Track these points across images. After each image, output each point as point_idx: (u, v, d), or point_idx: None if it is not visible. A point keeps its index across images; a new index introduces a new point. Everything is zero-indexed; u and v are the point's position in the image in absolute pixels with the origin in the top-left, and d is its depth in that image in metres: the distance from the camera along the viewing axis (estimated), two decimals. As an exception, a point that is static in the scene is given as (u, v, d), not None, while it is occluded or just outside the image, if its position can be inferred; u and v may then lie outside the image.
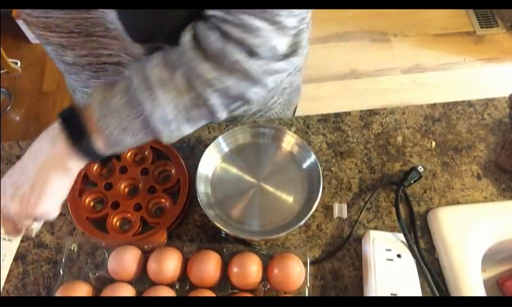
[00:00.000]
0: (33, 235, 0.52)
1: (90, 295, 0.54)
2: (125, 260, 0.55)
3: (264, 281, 0.56)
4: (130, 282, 0.55)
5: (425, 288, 0.56)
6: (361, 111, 0.75)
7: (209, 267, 0.55)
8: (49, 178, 0.48)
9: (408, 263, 0.57)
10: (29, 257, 0.62)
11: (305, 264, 0.56)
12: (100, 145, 0.48)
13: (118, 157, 0.66)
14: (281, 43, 0.46)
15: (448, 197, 0.66)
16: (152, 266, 0.55)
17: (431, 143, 0.72)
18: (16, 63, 1.95)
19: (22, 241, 0.63)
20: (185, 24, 0.48)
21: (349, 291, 0.59)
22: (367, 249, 0.59)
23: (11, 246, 0.63)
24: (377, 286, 0.55)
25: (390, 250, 0.58)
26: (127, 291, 0.54)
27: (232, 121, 0.75)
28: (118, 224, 0.63)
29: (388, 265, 0.56)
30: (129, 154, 0.68)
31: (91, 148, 0.47)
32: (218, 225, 0.58)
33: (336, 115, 0.75)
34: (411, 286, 0.55)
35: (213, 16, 0.46)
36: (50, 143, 0.48)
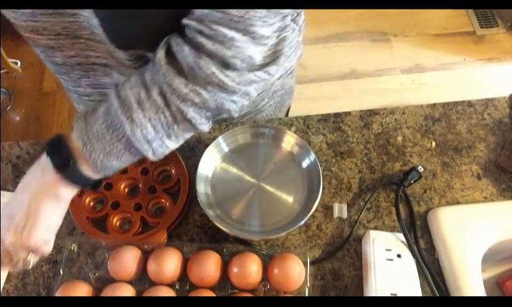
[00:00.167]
0: (29, 266, 0.51)
1: (90, 295, 0.54)
2: (125, 260, 0.55)
3: (264, 281, 0.56)
4: (130, 282, 0.55)
5: (425, 288, 0.56)
6: (361, 111, 0.75)
7: (209, 267, 0.55)
8: (41, 207, 0.48)
9: (408, 263, 0.57)
10: (29, 257, 0.62)
11: (305, 264, 0.55)
12: (88, 171, 0.48)
13: None
14: (257, 53, 0.46)
15: (448, 197, 0.66)
16: (151, 266, 0.55)
17: (431, 143, 0.72)
18: (16, 63, 1.95)
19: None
20: (165, 33, 0.48)
21: (349, 291, 0.59)
22: (367, 249, 0.59)
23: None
24: (377, 286, 0.55)
25: (390, 250, 0.58)
26: (127, 291, 0.54)
27: (222, 122, 0.75)
28: (118, 224, 0.63)
29: (388, 265, 0.56)
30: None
31: (79, 174, 0.48)
32: (218, 225, 0.58)
33: (336, 115, 0.75)
34: (411, 286, 0.55)
35: (187, 27, 0.46)
36: (40, 173, 0.48)
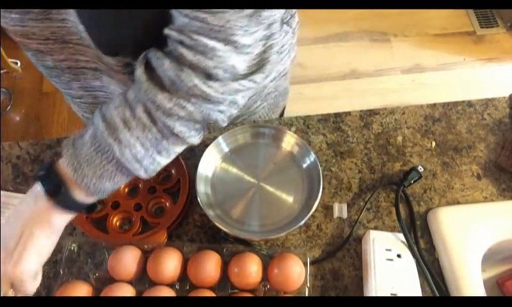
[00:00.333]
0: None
1: (90, 295, 0.54)
2: (125, 260, 0.55)
3: (264, 281, 0.56)
4: (130, 282, 0.55)
5: (425, 288, 0.56)
6: (361, 111, 0.75)
7: (209, 267, 0.55)
8: (33, 234, 0.47)
9: (408, 263, 0.57)
10: (29, 257, 0.62)
11: (305, 264, 0.55)
12: (81, 196, 0.48)
13: None
14: (240, 62, 0.45)
15: (448, 197, 0.66)
16: (151, 266, 0.55)
17: (431, 143, 0.72)
18: (16, 63, 1.95)
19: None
20: (148, 42, 0.47)
21: (349, 291, 0.59)
22: (367, 249, 0.59)
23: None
24: (377, 286, 0.55)
25: (390, 250, 0.58)
26: (127, 291, 0.54)
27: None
28: (118, 224, 0.63)
29: (388, 265, 0.56)
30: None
31: (72, 200, 0.48)
32: (218, 225, 0.58)
33: (336, 115, 0.75)
34: (411, 286, 0.55)
35: (168, 38, 0.45)
36: (33, 201, 0.48)
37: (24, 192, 0.53)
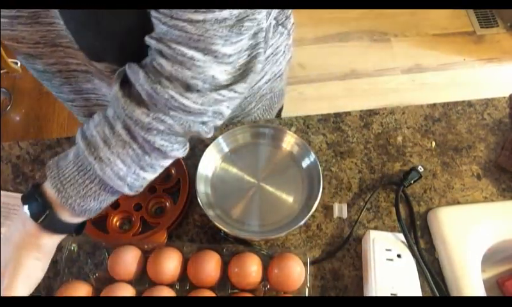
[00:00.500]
0: None
1: (90, 295, 0.54)
2: (125, 260, 0.55)
3: (264, 281, 0.56)
4: (130, 282, 0.55)
5: (425, 288, 0.56)
6: (361, 111, 0.75)
7: (209, 267, 0.55)
8: (22, 258, 0.47)
9: (408, 263, 0.57)
10: (29, 257, 0.62)
11: (305, 264, 0.55)
12: (67, 217, 0.48)
13: None
14: (220, 72, 0.44)
15: (448, 197, 0.66)
16: (151, 266, 0.55)
17: (431, 143, 0.72)
18: (16, 63, 1.95)
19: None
20: (131, 48, 0.47)
21: (349, 291, 0.59)
22: (367, 249, 0.59)
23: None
24: (377, 286, 0.55)
25: (390, 250, 0.58)
26: (127, 291, 0.54)
27: None
28: (118, 224, 0.63)
29: (388, 265, 0.56)
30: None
31: (58, 221, 0.47)
32: (218, 225, 0.58)
33: (336, 115, 0.75)
34: (411, 286, 0.55)
35: (148, 48, 0.45)
36: (21, 224, 0.48)
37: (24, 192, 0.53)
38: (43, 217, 0.46)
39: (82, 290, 0.54)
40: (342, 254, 0.62)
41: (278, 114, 0.92)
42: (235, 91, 0.47)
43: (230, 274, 0.55)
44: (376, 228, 0.64)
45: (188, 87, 0.44)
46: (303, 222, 0.59)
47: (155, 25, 0.43)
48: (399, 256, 0.57)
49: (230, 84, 0.46)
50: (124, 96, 0.45)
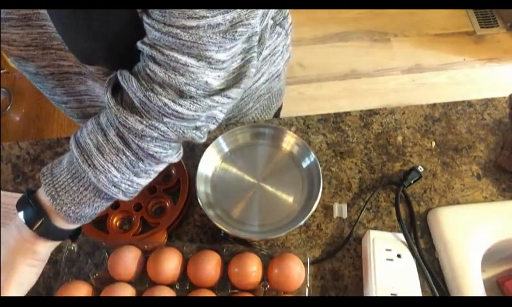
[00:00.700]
0: None
1: (90, 295, 0.54)
2: (125, 260, 0.55)
3: (264, 281, 0.56)
4: (130, 282, 0.55)
5: (425, 288, 0.56)
6: (361, 111, 0.75)
7: (209, 267, 0.55)
8: (16, 263, 0.47)
9: (408, 263, 0.57)
10: (29, 257, 0.62)
11: (305, 264, 0.56)
12: (62, 224, 0.48)
13: None
14: (214, 78, 0.44)
15: (448, 197, 0.66)
16: (151, 266, 0.55)
17: (431, 143, 0.72)
18: (16, 63, 1.95)
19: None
20: (122, 52, 0.47)
21: (349, 291, 0.59)
22: (367, 249, 0.59)
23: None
24: (377, 286, 0.55)
25: (390, 250, 0.58)
26: (127, 291, 0.54)
27: None
28: (118, 224, 0.63)
29: (388, 265, 0.56)
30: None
31: (54, 228, 0.47)
32: (218, 225, 0.58)
33: (336, 115, 0.75)
34: (411, 286, 0.55)
35: (141, 54, 0.45)
36: (16, 231, 0.47)
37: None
38: (38, 224, 0.46)
39: (82, 290, 0.54)
40: (342, 254, 0.62)
41: (277, 114, 0.92)
42: (229, 97, 0.47)
43: (230, 274, 0.55)
44: (375, 228, 0.64)
45: (181, 94, 0.44)
46: (303, 222, 0.59)
47: (147, 31, 0.43)
48: (399, 256, 0.57)
49: (223, 89, 0.46)
50: (116, 104, 0.44)
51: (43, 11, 0.48)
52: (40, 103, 1.87)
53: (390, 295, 0.54)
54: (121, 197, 0.48)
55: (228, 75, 0.46)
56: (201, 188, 0.62)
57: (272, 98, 0.82)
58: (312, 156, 0.64)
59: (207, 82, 0.44)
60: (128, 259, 0.55)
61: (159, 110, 0.44)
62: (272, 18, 0.66)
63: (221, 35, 0.41)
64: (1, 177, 0.71)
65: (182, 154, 0.51)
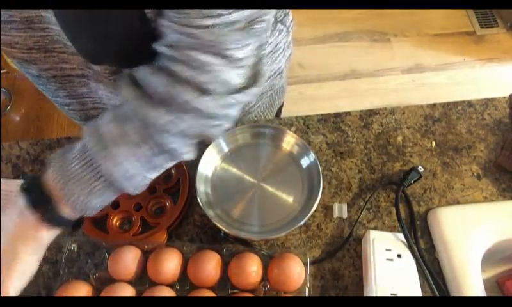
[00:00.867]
0: None
1: (90, 295, 0.54)
2: (125, 260, 0.55)
3: (264, 281, 0.56)
4: (130, 282, 0.55)
5: (425, 288, 0.56)
6: (361, 111, 0.75)
7: (209, 267, 0.55)
8: (18, 251, 0.46)
9: (408, 263, 0.57)
10: (29, 257, 0.62)
11: (305, 264, 0.55)
12: (68, 212, 0.47)
13: None
14: (234, 76, 0.44)
15: (448, 197, 0.66)
16: (151, 266, 0.55)
17: (431, 143, 0.72)
18: (17, 63, 1.95)
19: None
20: (131, 52, 0.47)
21: (349, 291, 0.59)
22: (367, 249, 0.59)
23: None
24: (377, 286, 0.55)
25: (390, 250, 0.58)
26: (127, 291, 0.54)
27: None
28: (118, 224, 0.63)
29: (388, 265, 0.56)
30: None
31: (59, 216, 0.46)
32: (218, 225, 0.58)
33: (336, 115, 0.75)
34: (411, 286, 0.55)
35: (159, 55, 0.45)
36: (17, 216, 0.46)
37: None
38: (43, 210, 0.45)
39: (82, 290, 0.54)
40: (342, 254, 0.62)
41: (279, 111, 0.92)
42: (249, 95, 0.47)
43: (230, 274, 0.55)
44: (375, 228, 0.64)
45: (203, 92, 0.44)
46: (303, 222, 0.59)
47: (165, 34, 0.43)
48: (399, 256, 0.57)
49: (243, 88, 0.46)
50: (137, 98, 0.44)
51: (46, 14, 0.48)
52: (40, 103, 1.87)
53: (390, 295, 0.54)
54: (131, 190, 0.48)
55: (245, 74, 0.46)
56: (201, 188, 0.62)
57: (274, 96, 0.82)
58: (312, 156, 0.64)
59: (227, 80, 0.44)
60: (128, 259, 0.55)
61: (180, 107, 0.44)
62: (274, 16, 0.66)
63: (239, 32, 0.42)
64: (1, 177, 0.71)
65: (196, 154, 0.51)
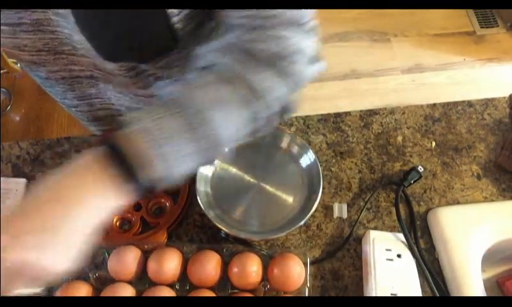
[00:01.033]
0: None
1: (90, 295, 0.54)
2: (125, 260, 0.55)
3: (264, 281, 0.55)
4: (130, 282, 0.55)
5: (425, 288, 0.56)
6: (361, 111, 0.75)
7: (209, 267, 0.55)
8: (72, 219, 0.36)
9: (408, 263, 0.57)
10: (29, 257, 0.62)
11: (305, 264, 0.55)
12: (153, 179, 0.39)
13: None
14: (310, 43, 0.51)
15: (448, 197, 0.66)
16: (151, 266, 0.55)
17: (431, 143, 0.72)
18: (17, 63, 1.95)
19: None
20: (155, 47, 0.47)
21: (349, 291, 0.59)
22: (367, 249, 0.59)
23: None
24: (377, 286, 0.55)
25: (390, 250, 0.58)
26: (127, 291, 0.54)
27: None
28: (118, 224, 0.63)
29: (388, 265, 0.56)
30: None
31: (141, 185, 0.38)
32: (218, 225, 0.58)
33: (336, 115, 0.75)
34: (411, 286, 0.55)
35: (233, 44, 0.46)
36: (90, 177, 0.37)
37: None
38: (130, 178, 0.37)
39: (82, 290, 0.54)
40: (342, 254, 0.62)
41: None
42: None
43: (230, 274, 0.55)
44: (375, 228, 0.64)
45: (310, 61, 0.50)
46: (303, 222, 0.59)
47: (236, 27, 0.46)
48: (399, 256, 0.57)
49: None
50: (244, 61, 0.45)
51: (55, 18, 0.48)
52: (40, 103, 1.87)
53: (390, 295, 0.54)
54: (219, 156, 0.49)
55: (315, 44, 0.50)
56: (201, 188, 0.62)
57: None
58: (312, 156, 0.64)
59: (303, 49, 0.49)
60: (128, 259, 0.55)
61: (284, 70, 0.47)
62: None
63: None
64: (1, 177, 0.71)
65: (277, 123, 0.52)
